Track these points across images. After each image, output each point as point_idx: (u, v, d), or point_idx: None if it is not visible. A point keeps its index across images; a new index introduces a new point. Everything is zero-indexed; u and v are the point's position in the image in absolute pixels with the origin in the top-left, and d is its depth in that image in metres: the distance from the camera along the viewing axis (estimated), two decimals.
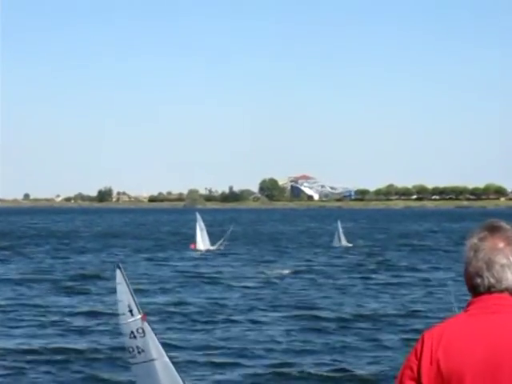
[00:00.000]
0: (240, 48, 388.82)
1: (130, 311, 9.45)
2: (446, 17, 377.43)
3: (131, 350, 9.56)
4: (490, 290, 3.56)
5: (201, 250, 53.33)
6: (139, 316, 9.47)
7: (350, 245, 59.38)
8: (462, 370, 3.41)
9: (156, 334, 9.68)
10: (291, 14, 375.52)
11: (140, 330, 9.45)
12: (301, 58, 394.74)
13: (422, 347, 3.50)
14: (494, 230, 3.62)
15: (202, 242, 54.09)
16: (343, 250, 56.65)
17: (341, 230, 59.93)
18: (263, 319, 25.38)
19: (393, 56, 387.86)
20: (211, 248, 54.01)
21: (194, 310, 27.41)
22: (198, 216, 52.79)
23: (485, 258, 3.56)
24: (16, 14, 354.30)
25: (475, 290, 3.61)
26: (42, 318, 25.48)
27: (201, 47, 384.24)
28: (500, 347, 3.42)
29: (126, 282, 9.42)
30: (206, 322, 24.83)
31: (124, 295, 9.45)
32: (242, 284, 35.36)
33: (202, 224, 53.73)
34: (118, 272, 9.47)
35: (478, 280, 3.57)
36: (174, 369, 9.50)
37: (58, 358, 19.45)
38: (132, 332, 9.48)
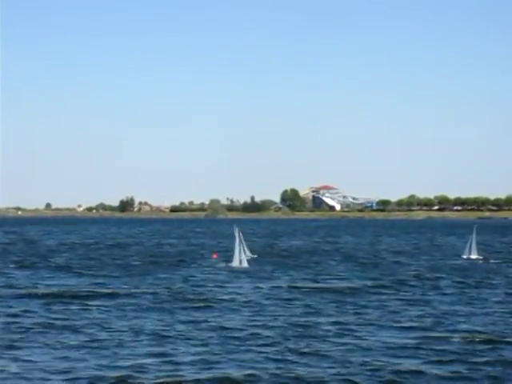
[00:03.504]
0: (260, 58, 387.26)
1: None
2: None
3: None
4: None
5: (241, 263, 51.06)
6: None
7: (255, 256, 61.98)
8: None
9: None
10: (309, 17, 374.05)
11: None
12: (321, 68, 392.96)
13: None
14: None
15: (239, 255, 51.44)
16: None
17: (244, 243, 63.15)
18: None
19: (413, 67, 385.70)
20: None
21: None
22: (236, 228, 49.78)
23: None
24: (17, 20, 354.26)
25: None
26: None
27: (222, 56, 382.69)
28: None
29: None
30: None
31: None
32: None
33: (241, 236, 50.91)
34: None
35: None
36: None
37: None
38: None
